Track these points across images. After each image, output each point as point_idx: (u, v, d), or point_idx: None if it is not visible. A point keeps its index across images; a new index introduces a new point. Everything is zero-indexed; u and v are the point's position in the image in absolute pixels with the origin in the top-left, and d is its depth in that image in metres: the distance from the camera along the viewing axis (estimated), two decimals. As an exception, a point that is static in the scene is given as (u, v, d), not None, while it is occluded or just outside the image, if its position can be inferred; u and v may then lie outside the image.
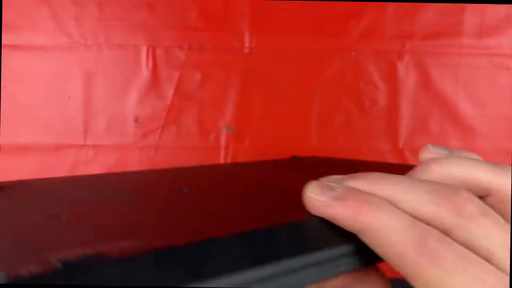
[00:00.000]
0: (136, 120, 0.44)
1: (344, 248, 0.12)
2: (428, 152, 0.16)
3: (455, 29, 0.45)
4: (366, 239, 0.12)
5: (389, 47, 0.45)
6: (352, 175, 0.15)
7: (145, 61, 0.45)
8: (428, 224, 0.12)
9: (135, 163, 0.44)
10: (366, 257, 0.12)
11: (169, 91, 0.45)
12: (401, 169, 0.16)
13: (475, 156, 0.16)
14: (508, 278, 0.11)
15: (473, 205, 0.12)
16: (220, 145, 0.44)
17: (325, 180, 0.15)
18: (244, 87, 0.45)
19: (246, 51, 0.45)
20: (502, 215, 0.13)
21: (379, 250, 0.12)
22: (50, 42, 0.44)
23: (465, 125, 0.45)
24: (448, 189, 0.13)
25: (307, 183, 0.15)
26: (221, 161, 0.44)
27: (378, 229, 0.12)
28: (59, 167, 0.43)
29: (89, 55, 0.44)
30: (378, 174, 0.14)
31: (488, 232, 0.12)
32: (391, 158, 0.45)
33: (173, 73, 0.45)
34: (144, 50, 0.45)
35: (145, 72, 0.45)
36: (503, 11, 0.46)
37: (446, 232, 0.12)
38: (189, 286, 0.08)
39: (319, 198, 0.14)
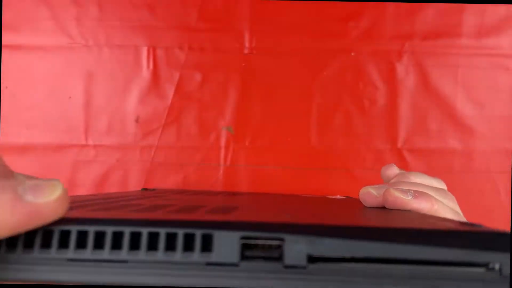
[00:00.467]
0: (137, 120, 0.45)
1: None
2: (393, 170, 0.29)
3: (454, 29, 0.45)
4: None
5: (389, 48, 0.45)
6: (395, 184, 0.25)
7: (145, 61, 0.45)
8: None
9: (135, 162, 0.44)
10: None
11: (170, 91, 0.45)
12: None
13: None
14: None
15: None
16: (220, 145, 0.45)
17: (397, 186, 0.23)
18: (244, 87, 0.45)
19: (246, 51, 0.45)
20: None
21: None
22: (51, 43, 0.44)
23: (464, 125, 0.45)
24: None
25: (386, 190, 0.22)
26: (221, 161, 0.44)
27: (438, 210, 0.21)
28: (59, 167, 0.44)
29: (89, 56, 0.45)
30: (417, 175, 0.26)
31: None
32: (390, 158, 0.45)
33: (173, 73, 0.45)
34: (144, 51, 0.45)
35: (145, 72, 0.45)
36: (503, 11, 0.46)
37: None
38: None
39: (406, 197, 0.21)
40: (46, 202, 0.11)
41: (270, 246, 0.12)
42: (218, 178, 0.44)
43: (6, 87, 0.44)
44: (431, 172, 0.45)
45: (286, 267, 0.11)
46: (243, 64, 0.45)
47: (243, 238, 0.12)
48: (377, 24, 0.46)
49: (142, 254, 0.11)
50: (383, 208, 0.22)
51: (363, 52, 0.45)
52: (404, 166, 0.45)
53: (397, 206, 0.21)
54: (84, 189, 0.43)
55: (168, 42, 0.45)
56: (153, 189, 0.40)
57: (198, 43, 0.45)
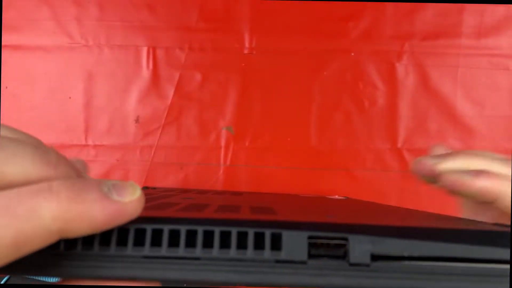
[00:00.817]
0: (137, 120, 0.45)
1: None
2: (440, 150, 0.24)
3: (454, 29, 0.45)
4: (500, 203, 0.19)
5: (388, 48, 0.45)
6: (447, 156, 0.21)
7: (145, 62, 0.45)
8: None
9: (136, 162, 0.44)
10: None
11: (170, 91, 0.45)
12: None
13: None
14: None
15: None
16: (220, 145, 0.45)
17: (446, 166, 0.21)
18: (244, 87, 0.45)
19: (246, 51, 0.45)
20: None
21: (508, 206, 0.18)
22: (51, 43, 0.44)
23: (463, 125, 0.45)
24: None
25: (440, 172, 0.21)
26: (221, 161, 0.44)
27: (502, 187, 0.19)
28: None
29: (90, 56, 0.45)
30: (466, 152, 0.21)
31: None
32: (389, 158, 0.45)
33: (173, 73, 0.45)
34: (144, 51, 0.45)
35: (145, 73, 0.45)
36: (502, 11, 0.46)
37: None
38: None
39: (466, 178, 0.19)
40: (130, 201, 0.11)
41: (335, 245, 0.12)
42: (218, 178, 0.44)
43: (6, 87, 0.44)
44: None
45: (351, 265, 0.12)
46: (243, 64, 0.45)
47: (310, 237, 0.12)
48: (377, 24, 0.46)
49: (215, 251, 0.12)
50: (433, 184, 0.22)
51: (363, 52, 0.45)
52: (404, 166, 0.45)
53: (457, 188, 0.20)
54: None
55: (168, 42, 0.45)
56: (154, 188, 0.40)
57: (198, 43, 0.45)
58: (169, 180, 0.44)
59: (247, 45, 0.45)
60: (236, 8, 0.45)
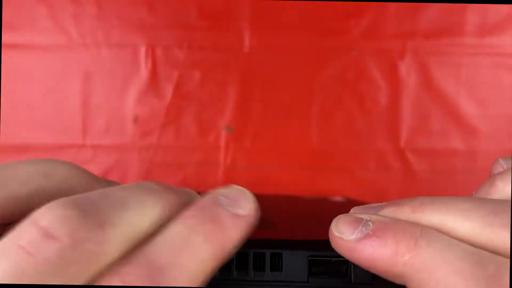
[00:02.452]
0: (135, 120, 0.44)
1: None
2: (498, 166, 0.15)
3: (457, 28, 0.45)
4: (412, 286, 0.10)
5: (390, 46, 0.45)
6: (392, 201, 0.13)
7: (144, 61, 0.44)
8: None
9: (134, 162, 0.44)
10: None
11: (169, 91, 0.44)
12: None
13: None
14: None
15: None
16: (220, 145, 0.44)
17: (357, 211, 0.13)
18: (244, 86, 0.45)
19: (246, 50, 0.45)
20: None
21: None
22: (49, 42, 0.44)
23: (467, 125, 0.45)
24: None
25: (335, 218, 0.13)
26: (221, 161, 0.44)
27: (429, 271, 0.09)
28: (57, 167, 0.43)
29: (87, 55, 0.44)
30: (427, 198, 0.12)
31: None
32: (392, 158, 0.44)
33: (172, 73, 0.44)
34: (143, 50, 0.44)
35: (144, 72, 0.44)
36: (506, 10, 0.45)
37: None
38: None
39: (348, 237, 0.11)
40: (254, 214, 0.10)
41: (336, 262, 0.13)
42: (217, 178, 0.44)
43: (4, 87, 0.44)
44: (433, 172, 0.45)
45: (353, 284, 0.13)
46: (243, 63, 0.45)
47: (310, 257, 0.13)
48: (379, 23, 0.45)
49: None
50: None
51: (365, 50, 0.45)
52: (407, 166, 0.44)
53: (345, 255, 0.13)
54: (82, 190, 0.43)
55: (167, 41, 0.44)
56: None
57: (197, 42, 0.45)
58: (168, 180, 0.44)
59: (247, 43, 0.45)
60: (236, 6, 0.45)
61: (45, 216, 0.09)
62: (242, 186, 0.44)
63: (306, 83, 0.45)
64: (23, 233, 0.09)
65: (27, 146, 0.43)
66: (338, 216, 0.13)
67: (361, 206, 0.14)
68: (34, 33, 0.44)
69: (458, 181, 0.44)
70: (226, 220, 0.10)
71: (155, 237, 0.10)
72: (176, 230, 0.10)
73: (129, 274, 0.09)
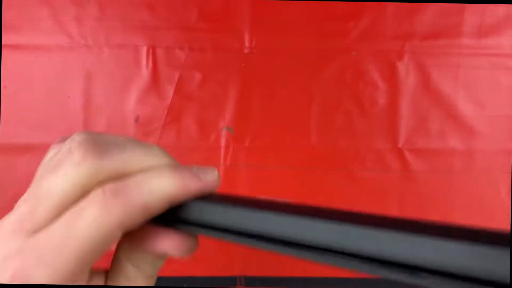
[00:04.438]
0: (136, 120, 0.44)
1: None
2: None
3: (455, 29, 0.45)
4: None
5: (389, 47, 0.45)
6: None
7: (145, 61, 0.45)
8: None
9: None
10: None
11: (169, 91, 0.45)
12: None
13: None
14: None
15: None
16: (220, 145, 0.44)
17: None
18: (244, 87, 0.45)
19: (246, 51, 0.45)
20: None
21: None
22: (51, 42, 0.44)
23: (464, 125, 0.45)
24: None
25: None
26: (221, 161, 0.44)
27: None
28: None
29: (89, 55, 0.44)
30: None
31: None
32: (390, 158, 0.45)
33: (173, 73, 0.45)
34: (144, 50, 0.45)
35: (145, 72, 0.45)
36: (503, 11, 0.46)
37: None
38: None
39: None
40: (209, 179, 0.16)
41: None
42: (218, 178, 0.44)
43: (5, 87, 0.44)
44: (432, 172, 0.45)
45: None
46: (243, 64, 0.45)
47: None
48: (377, 24, 0.45)
49: None
50: None
51: (364, 51, 0.45)
52: (405, 166, 0.45)
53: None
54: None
55: (168, 42, 0.45)
56: None
57: (198, 43, 0.45)
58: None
59: (247, 44, 0.45)
60: (236, 7, 0.45)
61: (73, 140, 0.14)
62: (242, 185, 0.44)
63: (306, 84, 0.45)
64: (62, 148, 0.15)
65: (29, 146, 0.44)
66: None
67: None
68: (36, 34, 0.44)
69: (456, 181, 0.44)
70: (188, 175, 0.15)
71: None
72: (152, 171, 0.15)
73: (109, 187, 0.14)
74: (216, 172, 0.16)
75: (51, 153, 0.16)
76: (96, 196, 0.13)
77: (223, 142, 0.45)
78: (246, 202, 0.15)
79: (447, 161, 0.45)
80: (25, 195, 0.14)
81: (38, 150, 0.44)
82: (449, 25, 0.45)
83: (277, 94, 0.45)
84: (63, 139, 0.16)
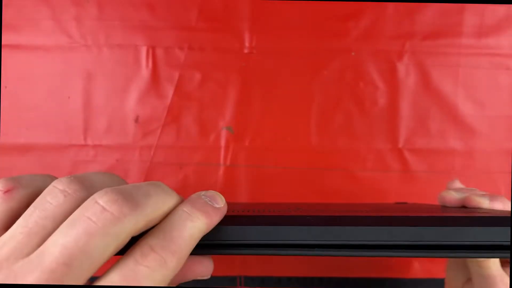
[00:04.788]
0: (136, 120, 0.44)
1: None
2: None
3: (455, 29, 0.45)
4: None
5: (389, 47, 0.45)
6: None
7: (145, 61, 0.45)
8: None
9: (135, 162, 0.44)
10: None
11: (169, 91, 0.45)
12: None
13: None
14: None
15: None
16: (220, 145, 0.45)
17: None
18: (244, 87, 0.45)
19: (246, 51, 0.45)
20: None
21: None
22: (50, 42, 0.44)
23: (465, 125, 0.45)
24: None
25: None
26: (221, 161, 0.44)
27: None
28: (59, 167, 0.44)
29: (89, 55, 0.44)
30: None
31: None
32: (390, 158, 0.45)
33: (173, 73, 0.45)
34: (144, 50, 0.45)
35: (145, 72, 0.45)
36: (503, 11, 0.46)
37: None
38: None
39: (485, 201, 0.24)
40: (224, 207, 0.18)
41: None
42: (218, 178, 0.44)
43: (5, 87, 0.44)
44: (432, 172, 0.45)
45: None
46: (243, 64, 0.45)
47: None
48: (377, 24, 0.45)
49: None
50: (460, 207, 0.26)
51: (364, 51, 0.45)
52: (405, 166, 0.45)
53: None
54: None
55: (168, 42, 0.45)
56: None
57: (198, 43, 0.45)
58: (168, 180, 0.44)
59: (247, 44, 0.45)
60: (236, 7, 0.45)
61: (102, 198, 0.14)
62: (242, 185, 0.44)
63: (306, 84, 0.45)
64: (88, 208, 0.14)
65: (29, 146, 0.44)
66: (472, 195, 0.25)
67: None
68: (37, 34, 0.44)
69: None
70: (210, 209, 0.17)
71: (167, 216, 0.16)
72: (179, 214, 0.16)
73: (150, 238, 0.15)
74: (223, 198, 0.18)
75: (49, 200, 0.15)
76: (150, 258, 0.14)
77: (223, 142, 0.45)
78: (249, 218, 0.18)
79: (447, 161, 0.45)
80: (32, 237, 0.14)
81: (38, 150, 0.44)
82: (449, 25, 0.45)
83: (277, 94, 0.45)
84: (50, 178, 0.17)
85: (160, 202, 0.16)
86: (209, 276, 0.18)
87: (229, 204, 0.19)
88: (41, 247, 0.13)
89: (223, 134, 0.45)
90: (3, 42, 0.43)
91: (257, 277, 0.43)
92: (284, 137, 0.45)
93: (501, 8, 0.46)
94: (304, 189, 0.44)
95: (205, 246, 0.17)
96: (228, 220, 0.18)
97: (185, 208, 0.16)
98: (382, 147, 0.45)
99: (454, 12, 0.45)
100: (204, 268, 0.17)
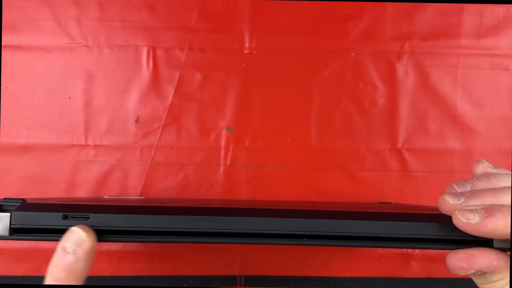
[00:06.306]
0: (137, 120, 0.45)
1: None
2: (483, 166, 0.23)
3: (454, 29, 0.46)
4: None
5: (388, 48, 0.46)
6: (472, 193, 0.21)
7: (145, 62, 0.45)
8: None
9: (136, 163, 0.44)
10: None
11: (170, 92, 0.45)
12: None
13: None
14: None
15: None
16: (220, 145, 0.45)
17: (465, 205, 0.20)
18: (244, 87, 0.45)
19: (246, 51, 0.45)
20: None
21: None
22: (51, 43, 0.44)
23: (463, 126, 0.45)
24: None
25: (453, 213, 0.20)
26: (221, 161, 0.44)
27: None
28: (59, 167, 0.44)
29: (89, 56, 0.45)
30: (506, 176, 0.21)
31: None
32: (389, 158, 0.45)
33: (173, 74, 0.45)
34: (144, 51, 0.45)
35: (145, 73, 0.45)
36: (502, 11, 0.46)
37: None
38: None
39: (473, 220, 0.19)
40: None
41: None
42: (218, 178, 0.44)
43: (6, 87, 0.44)
44: (431, 172, 0.45)
45: None
46: (243, 64, 0.45)
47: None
48: (376, 25, 0.46)
49: None
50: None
51: (363, 52, 0.45)
52: (404, 166, 0.45)
53: (468, 231, 0.19)
54: (84, 189, 0.43)
55: (168, 43, 0.45)
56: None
57: (198, 44, 0.45)
58: (168, 180, 0.44)
59: (247, 45, 0.45)
60: (236, 8, 0.45)
61: None
62: (242, 185, 0.44)
63: (305, 84, 0.46)
64: None
65: (30, 146, 0.44)
66: (456, 212, 0.20)
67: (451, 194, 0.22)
68: (37, 34, 0.44)
69: (455, 180, 0.44)
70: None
71: None
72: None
73: None
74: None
75: None
76: None
77: (223, 142, 0.45)
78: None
79: (446, 161, 0.45)
80: None
81: (38, 150, 0.44)
82: (448, 25, 0.46)
83: (277, 94, 0.45)
84: None
85: None
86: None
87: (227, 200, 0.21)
88: None
89: (223, 134, 0.45)
90: (4, 43, 0.44)
91: (257, 276, 0.43)
92: (284, 137, 0.45)
93: (500, 9, 0.46)
94: (304, 189, 0.44)
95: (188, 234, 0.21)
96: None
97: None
98: (381, 147, 0.45)
99: (453, 12, 0.46)
100: None
